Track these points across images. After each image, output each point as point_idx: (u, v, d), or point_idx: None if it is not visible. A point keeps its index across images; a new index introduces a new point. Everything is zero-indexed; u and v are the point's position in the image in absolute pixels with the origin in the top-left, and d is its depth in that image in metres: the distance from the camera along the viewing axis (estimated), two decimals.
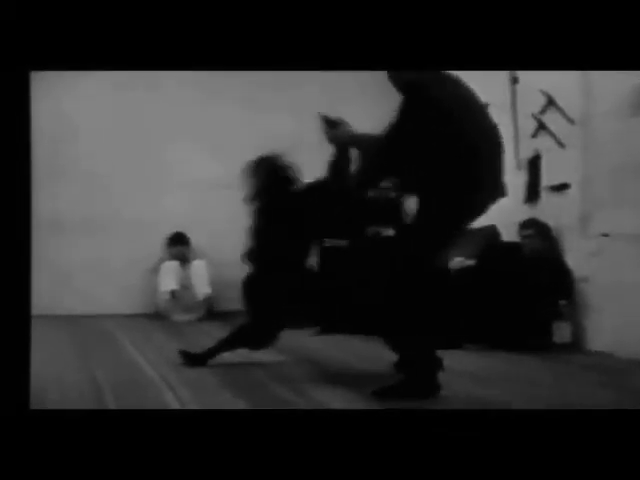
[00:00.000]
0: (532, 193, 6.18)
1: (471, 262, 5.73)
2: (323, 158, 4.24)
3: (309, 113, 4.25)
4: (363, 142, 3.91)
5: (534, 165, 6.16)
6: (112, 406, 3.53)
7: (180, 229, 7.56)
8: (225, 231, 7.78)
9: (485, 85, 6.07)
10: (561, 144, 5.86)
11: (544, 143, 6.05)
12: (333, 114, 3.98)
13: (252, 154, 7.86)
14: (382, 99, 4.64)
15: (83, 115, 7.63)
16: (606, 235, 5.33)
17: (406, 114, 3.61)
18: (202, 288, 7.42)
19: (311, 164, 4.38)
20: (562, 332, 5.45)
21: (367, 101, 7.33)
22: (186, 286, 7.42)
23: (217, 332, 5.51)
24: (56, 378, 4.14)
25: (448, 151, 3.55)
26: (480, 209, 3.73)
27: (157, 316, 7.40)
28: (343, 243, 8.19)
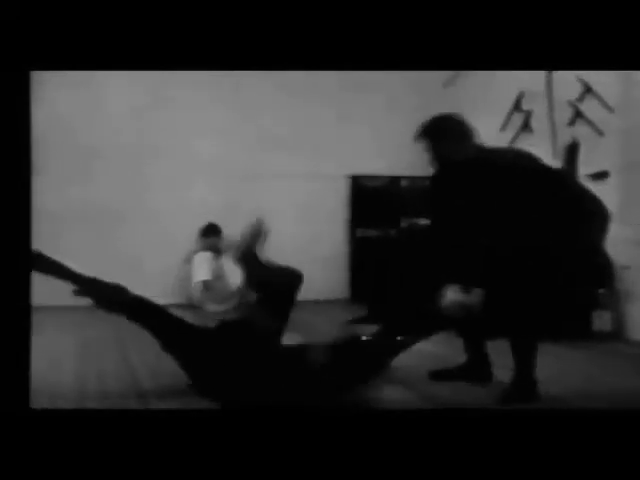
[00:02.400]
0: None
1: None
2: None
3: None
4: None
5: (571, 153, 6.09)
6: (151, 395, 3.55)
7: (212, 220, 7.58)
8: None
9: (520, 73, 6.04)
10: (600, 132, 5.79)
11: (582, 131, 5.99)
12: None
13: (287, 145, 7.93)
14: None
15: (110, 105, 7.69)
16: None
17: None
18: (235, 279, 7.42)
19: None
20: (602, 321, 5.39)
21: None
22: (219, 277, 7.41)
23: None
24: (94, 367, 4.16)
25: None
26: None
27: (190, 307, 7.40)
28: (375, 233, 8.19)
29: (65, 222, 7.49)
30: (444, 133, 3.67)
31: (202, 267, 7.40)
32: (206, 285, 7.36)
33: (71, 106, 7.60)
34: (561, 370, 4.27)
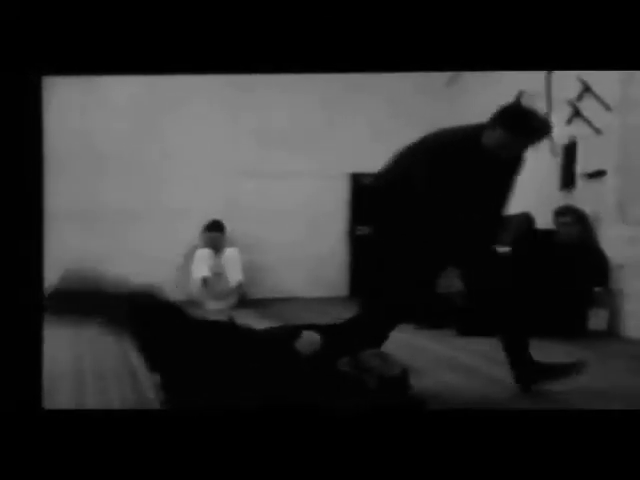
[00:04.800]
0: (567, 180, 6.13)
1: (505, 249, 5.69)
2: None
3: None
4: None
5: (569, 151, 6.10)
6: (149, 393, 3.57)
7: (216, 217, 7.62)
8: (259, 219, 7.88)
9: (520, 72, 6.04)
10: (598, 130, 5.80)
11: (580, 129, 6.00)
12: None
13: (288, 143, 7.95)
14: None
15: (117, 104, 7.71)
16: None
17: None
18: (234, 275, 7.45)
19: None
20: (598, 319, 5.40)
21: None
22: (218, 274, 7.45)
23: (249, 319, 5.52)
24: (93, 366, 4.19)
25: None
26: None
27: (190, 303, 7.41)
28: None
29: (77, 223, 7.52)
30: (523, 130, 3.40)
31: (201, 264, 7.45)
32: (205, 282, 7.40)
33: (82, 108, 7.64)
34: None
